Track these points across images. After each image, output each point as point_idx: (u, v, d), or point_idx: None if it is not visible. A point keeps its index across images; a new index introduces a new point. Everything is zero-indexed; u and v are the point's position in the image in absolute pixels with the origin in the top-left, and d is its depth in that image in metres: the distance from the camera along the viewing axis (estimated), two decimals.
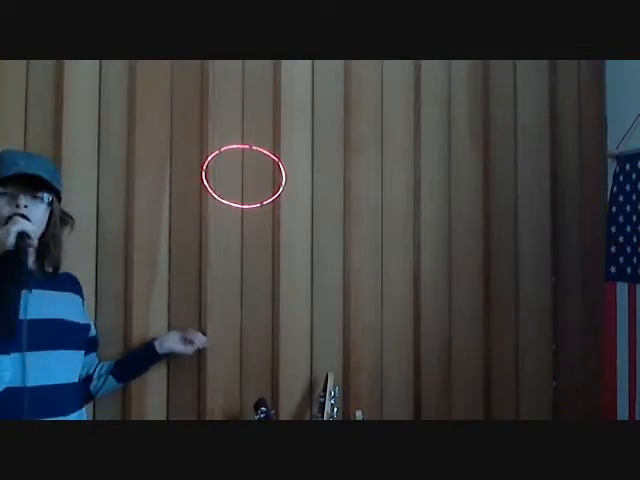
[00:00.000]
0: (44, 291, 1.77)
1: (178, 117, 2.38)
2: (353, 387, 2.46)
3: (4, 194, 1.70)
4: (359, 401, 2.45)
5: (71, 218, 1.95)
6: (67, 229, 1.97)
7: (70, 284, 1.93)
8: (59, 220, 1.82)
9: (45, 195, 1.75)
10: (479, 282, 2.60)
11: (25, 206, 1.69)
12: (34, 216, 1.71)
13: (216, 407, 2.34)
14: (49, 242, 1.78)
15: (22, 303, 1.64)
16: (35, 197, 1.73)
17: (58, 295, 1.84)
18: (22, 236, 1.63)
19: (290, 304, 2.42)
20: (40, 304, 1.74)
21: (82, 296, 2.00)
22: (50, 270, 1.84)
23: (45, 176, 1.74)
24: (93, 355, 2.08)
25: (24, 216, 1.67)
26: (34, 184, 1.73)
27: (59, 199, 1.84)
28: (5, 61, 2.21)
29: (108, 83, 2.33)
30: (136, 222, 2.31)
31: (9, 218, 1.67)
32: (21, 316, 1.64)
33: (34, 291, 1.73)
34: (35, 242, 1.71)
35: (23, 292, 1.64)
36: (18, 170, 1.70)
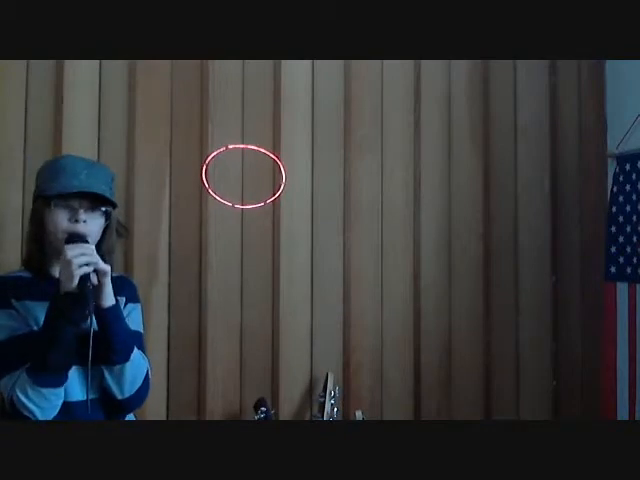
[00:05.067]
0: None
1: (178, 117, 2.38)
2: (353, 387, 2.46)
3: (64, 207, 1.67)
4: (359, 401, 2.45)
5: (126, 229, 1.95)
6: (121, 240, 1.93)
7: (117, 289, 1.76)
8: (115, 232, 1.80)
9: (103, 209, 1.72)
10: (479, 282, 2.60)
11: (84, 221, 1.67)
12: (91, 230, 1.69)
13: (216, 407, 2.34)
14: (103, 254, 1.73)
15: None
16: (93, 210, 1.70)
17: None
18: (85, 279, 1.58)
19: (290, 304, 2.43)
20: None
21: (128, 298, 1.83)
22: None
23: (106, 193, 1.71)
24: None
25: (85, 239, 1.63)
26: (94, 198, 1.70)
27: (114, 206, 1.79)
28: (5, 61, 2.21)
29: (108, 83, 2.33)
30: (136, 222, 2.31)
31: (68, 236, 1.63)
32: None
33: None
34: (95, 280, 1.66)
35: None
36: (80, 186, 1.68)
